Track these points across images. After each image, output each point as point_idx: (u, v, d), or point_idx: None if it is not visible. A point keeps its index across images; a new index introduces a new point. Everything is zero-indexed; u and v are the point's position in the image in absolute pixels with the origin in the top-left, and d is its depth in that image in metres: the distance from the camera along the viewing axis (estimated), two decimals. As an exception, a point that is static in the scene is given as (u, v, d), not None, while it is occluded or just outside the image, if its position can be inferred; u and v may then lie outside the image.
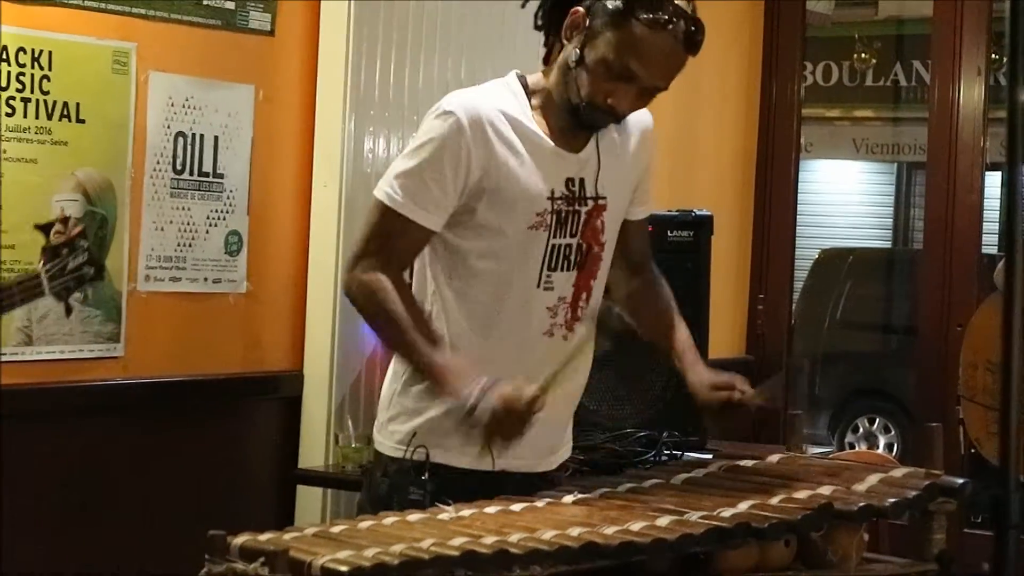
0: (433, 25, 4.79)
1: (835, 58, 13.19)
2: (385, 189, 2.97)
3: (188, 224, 4.36)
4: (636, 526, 2.56)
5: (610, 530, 2.53)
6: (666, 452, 4.06)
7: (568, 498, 2.82)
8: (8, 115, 3.91)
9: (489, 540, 2.40)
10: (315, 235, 4.61)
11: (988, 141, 5.74)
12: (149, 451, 4.29)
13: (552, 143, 3.01)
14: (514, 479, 3.01)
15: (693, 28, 2.92)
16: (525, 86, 3.05)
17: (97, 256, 4.00)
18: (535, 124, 3.01)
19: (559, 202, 3.01)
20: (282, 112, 4.58)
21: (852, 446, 10.26)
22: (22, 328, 3.95)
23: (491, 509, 2.70)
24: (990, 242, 6.14)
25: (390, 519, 2.58)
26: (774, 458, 3.18)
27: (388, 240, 2.95)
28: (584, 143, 3.05)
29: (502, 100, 3.01)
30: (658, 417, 4.27)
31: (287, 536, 2.41)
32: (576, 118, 3.00)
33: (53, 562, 4.05)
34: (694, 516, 2.65)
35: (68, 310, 4.01)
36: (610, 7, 2.89)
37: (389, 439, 3.10)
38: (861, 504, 2.80)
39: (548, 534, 2.46)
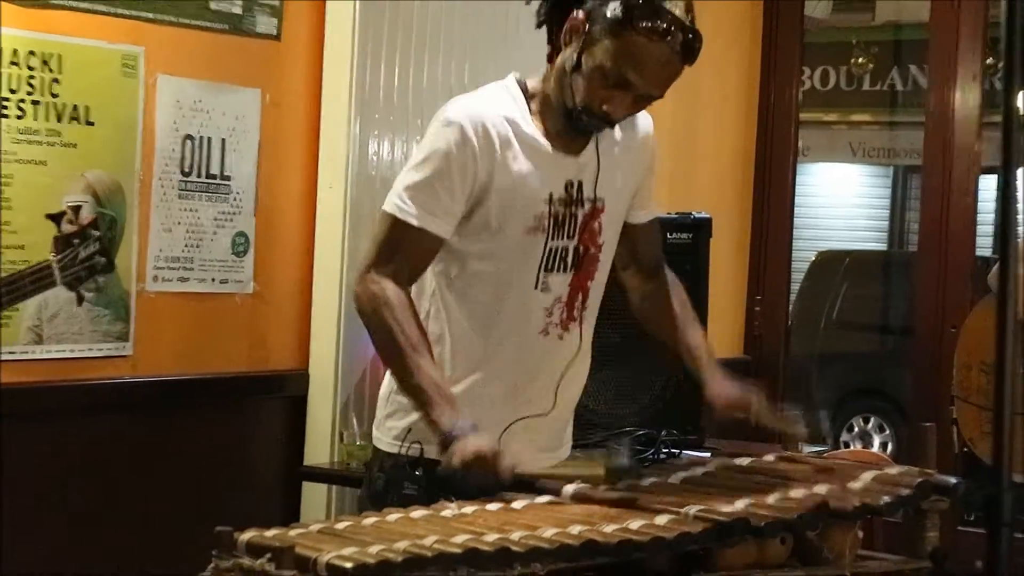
0: (437, 29, 4.79)
1: (833, 63, 13.18)
2: (395, 202, 2.96)
3: (196, 225, 4.37)
4: (635, 524, 2.56)
5: (609, 528, 2.53)
6: (665, 451, 4.06)
7: (568, 496, 2.83)
8: (18, 117, 3.92)
9: (491, 538, 2.40)
10: (320, 237, 4.61)
11: (983, 145, 5.74)
12: (157, 448, 4.29)
13: (551, 146, 3.01)
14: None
15: (691, 38, 2.91)
16: (524, 89, 3.05)
17: (108, 246, 4.02)
18: (534, 128, 3.01)
19: (557, 205, 3.01)
20: (288, 115, 4.58)
21: (847, 445, 10.27)
22: (32, 327, 3.95)
23: (493, 507, 2.70)
24: (984, 245, 6.15)
25: (394, 516, 2.58)
26: (770, 457, 3.18)
27: (400, 251, 2.94)
28: (583, 146, 3.05)
29: (502, 105, 3.01)
30: (657, 416, 4.27)
31: (293, 532, 2.42)
32: (571, 122, 3.00)
33: (61, 558, 4.05)
34: (692, 514, 2.65)
35: (80, 299, 4.01)
36: (610, 15, 2.88)
37: (386, 435, 3.10)
38: (856, 502, 2.80)
39: (549, 532, 2.47)
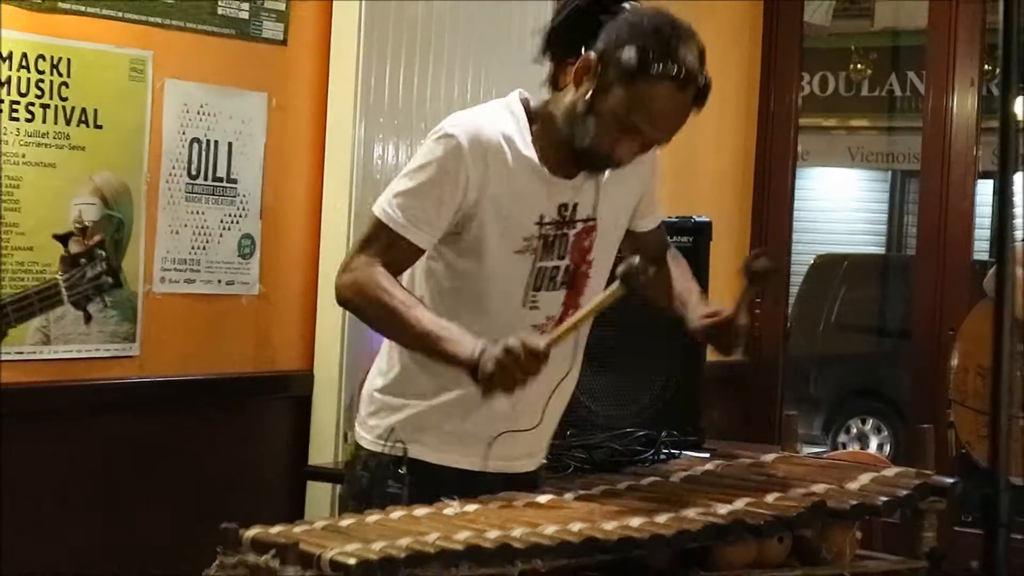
0: (441, 35, 4.79)
1: (832, 68, 13.18)
2: (383, 207, 2.94)
3: (202, 227, 4.37)
4: (635, 522, 2.57)
5: (610, 526, 2.53)
6: (665, 451, 4.05)
7: (569, 495, 2.83)
8: (28, 120, 3.92)
9: (493, 535, 2.41)
10: (326, 239, 4.61)
11: (980, 150, 5.74)
12: (164, 447, 4.29)
13: (547, 169, 2.96)
14: (489, 478, 3.00)
15: (703, 86, 2.88)
16: (527, 109, 3.00)
17: (115, 264, 4.02)
18: (532, 150, 2.96)
19: (548, 227, 2.98)
20: (294, 119, 4.58)
21: (845, 446, 10.27)
22: (40, 328, 3.95)
23: (494, 505, 2.71)
24: (982, 249, 6.15)
25: (397, 514, 2.59)
26: (769, 457, 3.19)
27: (380, 253, 2.91)
28: (580, 169, 3.02)
29: (502, 123, 2.96)
30: (657, 417, 4.26)
31: (297, 529, 2.42)
32: (578, 160, 2.97)
33: (67, 555, 4.05)
34: (691, 513, 2.65)
35: (88, 318, 4.02)
36: (624, 63, 2.82)
37: (369, 434, 3.09)
38: (854, 502, 2.80)
39: (550, 529, 2.47)
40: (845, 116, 13.95)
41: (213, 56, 4.35)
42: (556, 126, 2.96)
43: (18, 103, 3.90)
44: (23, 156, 3.91)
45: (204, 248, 4.37)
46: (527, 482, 3.04)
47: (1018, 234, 4.03)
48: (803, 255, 10.57)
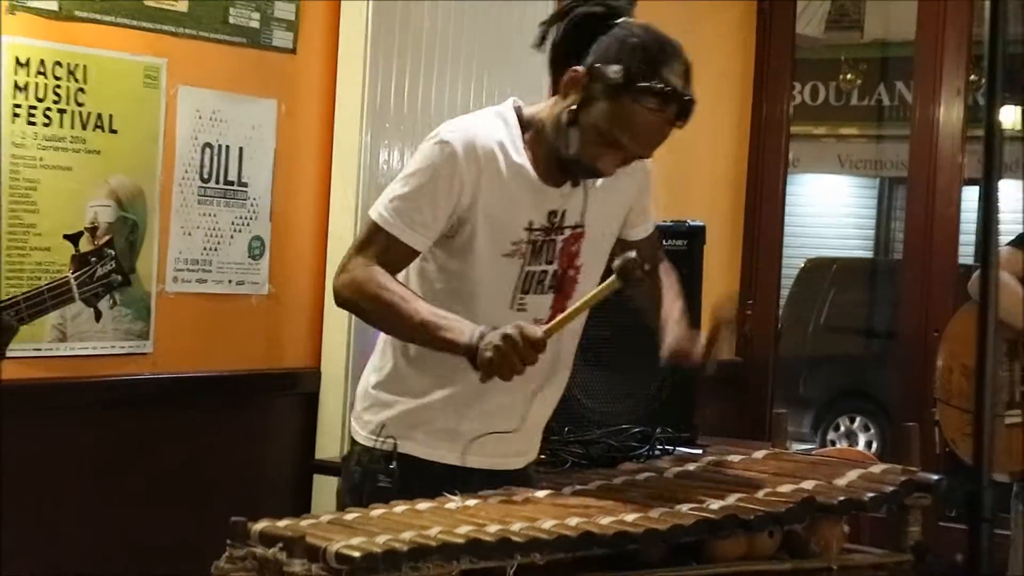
0: (446, 43, 4.79)
1: (822, 78, 13.18)
2: (379, 210, 2.94)
3: (214, 229, 4.37)
4: (630, 517, 2.56)
5: (606, 520, 2.53)
6: (659, 447, 4.06)
7: (566, 490, 2.83)
8: (45, 125, 3.92)
9: (493, 529, 2.40)
10: (333, 241, 4.61)
11: (966, 158, 5.74)
12: (175, 442, 4.29)
13: (538, 176, 2.95)
14: (478, 474, 3.00)
15: (686, 103, 2.87)
16: (520, 117, 3.00)
17: (125, 263, 4.02)
18: (524, 157, 2.95)
19: (537, 233, 2.97)
20: (303, 125, 4.58)
21: (834, 444, 10.26)
22: (56, 325, 3.96)
23: (494, 499, 2.70)
24: (967, 253, 6.14)
25: (400, 508, 2.58)
26: (760, 454, 3.18)
27: (376, 255, 2.91)
28: (567, 178, 3.00)
29: (496, 130, 2.96)
30: (652, 414, 4.27)
31: (304, 523, 2.42)
32: (563, 168, 2.96)
33: (82, 547, 4.05)
34: (685, 508, 2.65)
35: (98, 315, 4.02)
36: (611, 77, 2.82)
37: (363, 429, 3.08)
38: (842, 498, 2.80)
39: (548, 523, 2.47)
40: (835, 124, 13.95)
41: (225, 64, 4.35)
42: (546, 135, 2.96)
43: (36, 108, 3.90)
44: (40, 159, 3.91)
45: (215, 249, 4.37)
46: (517, 480, 3.03)
47: (1002, 239, 4.04)
48: (793, 259, 10.55)
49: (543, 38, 2.99)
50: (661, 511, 2.61)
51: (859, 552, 2.94)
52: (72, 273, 3.07)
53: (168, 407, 4.28)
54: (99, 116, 4.04)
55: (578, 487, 2.85)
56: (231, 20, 4.36)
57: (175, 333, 4.26)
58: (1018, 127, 12.15)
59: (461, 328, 2.81)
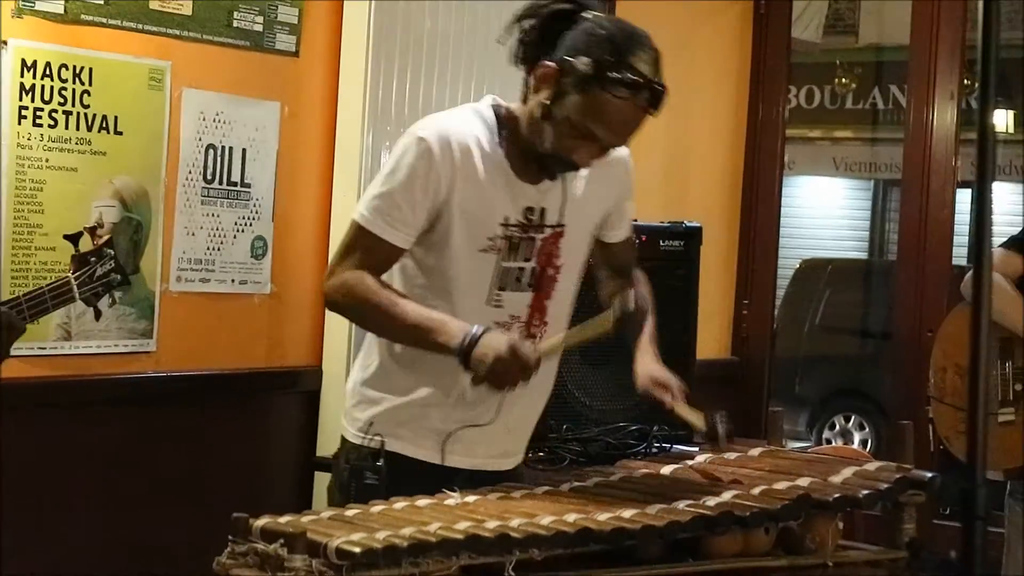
0: (447, 47, 4.78)
1: (818, 82, 13.18)
2: (360, 211, 2.94)
3: (217, 229, 4.36)
4: (628, 513, 2.56)
5: (603, 516, 2.53)
6: (656, 445, 4.06)
7: (565, 486, 2.83)
8: (51, 126, 3.91)
9: (492, 525, 2.40)
10: (335, 241, 4.60)
11: (960, 161, 5.73)
12: (178, 440, 4.29)
13: (514, 172, 2.95)
14: (463, 474, 2.99)
15: (657, 91, 2.86)
16: (499, 114, 3.00)
17: (129, 263, 4.02)
18: (501, 153, 2.95)
19: (513, 229, 2.96)
20: (305, 127, 4.58)
21: (829, 442, 10.26)
22: (61, 324, 3.95)
23: (493, 496, 2.70)
24: (960, 255, 6.13)
25: (400, 504, 2.58)
26: (756, 452, 3.18)
27: (361, 255, 2.91)
28: (549, 175, 2.99)
29: (472, 127, 2.96)
30: (649, 412, 4.26)
31: (305, 519, 2.41)
32: (540, 163, 2.96)
33: (85, 543, 4.05)
34: (681, 504, 2.65)
35: (97, 314, 4.02)
36: (581, 70, 2.82)
37: (351, 426, 3.08)
38: (837, 495, 2.80)
39: (546, 520, 2.47)
40: (830, 127, 13.95)
41: (228, 66, 4.35)
42: (522, 130, 2.95)
43: (42, 110, 3.89)
44: (46, 160, 3.91)
45: (219, 249, 4.36)
46: (504, 480, 3.03)
47: (995, 241, 4.03)
48: (789, 260, 10.56)
49: (517, 35, 2.97)
50: (658, 508, 2.61)
51: (854, 549, 2.94)
52: (72, 273, 3.07)
53: (171, 405, 4.28)
54: (104, 118, 4.03)
55: (576, 484, 2.84)
56: (235, 23, 4.36)
57: (178, 332, 4.26)
58: (1011, 130, 12.18)
59: (452, 332, 2.81)
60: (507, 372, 2.76)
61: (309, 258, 4.61)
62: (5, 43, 3.80)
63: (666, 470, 3.00)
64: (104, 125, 4.03)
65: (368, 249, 2.92)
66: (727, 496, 2.72)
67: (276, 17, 4.46)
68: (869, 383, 10.43)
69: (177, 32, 4.20)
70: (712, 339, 5.92)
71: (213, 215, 4.35)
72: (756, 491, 2.77)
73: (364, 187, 4.54)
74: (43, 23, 3.87)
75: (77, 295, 3.07)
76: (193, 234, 4.29)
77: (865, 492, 2.84)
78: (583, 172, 3.02)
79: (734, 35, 6.17)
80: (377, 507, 2.55)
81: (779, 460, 3.10)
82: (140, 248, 4.13)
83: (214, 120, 4.32)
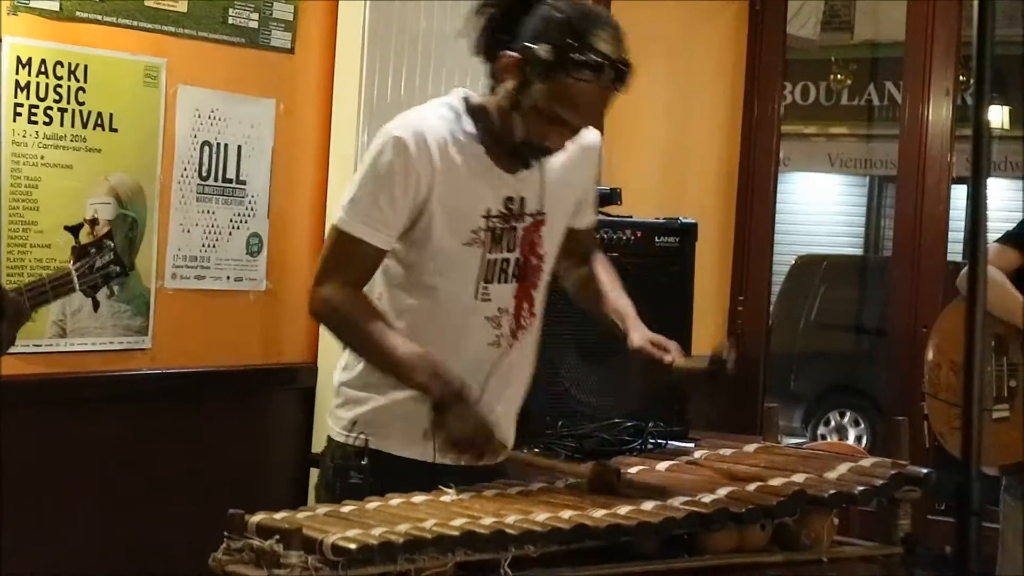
0: (442, 45, 4.78)
1: (813, 79, 13.18)
2: (340, 215, 2.92)
3: (212, 226, 4.36)
4: (623, 510, 2.56)
5: (599, 513, 2.53)
6: (652, 441, 4.05)
7: (560, 483, 2.82)
8: (46, 124, 3.91)
9: (487, 521, 2.40)
10: (330, 238, 4.60)
11: (955, 157, 5.73)
12: (174, 436, 4.29)
13: (492, 163, 2.95)
14: (450, 470, 2.98)
15: (622, 69, 2.84)
16: (469, 106, 2.99)
17: (124, 259, 4.02)
18: (476, 145, 2.94)
19: (495, 220, 2.96)
20: (301, 124, 4.58)
21: (824, 438, 10.26)
22: (57, 321, 3.95)
23: (489, 492, 2.70)
24: (955, 251, 6.14)
25: (396, 500, 2.58)
26: (751, 448, 3.18)
27: (345, 262, 2.90)
28: (526, 163, 2.99)
29: (445, 121, 2.95)
30: (644, 408, 4.27)
31: (301, 515, 2.41)
32: (515, 152, 2.95)
33: (80, 541, 4.05)
34: (677, 501, 2.65)
35: (96, 305, 4.02)
36: (543, 57, 2.81)
37: (336, 424, 3.08)
38: (832, 491, 2.80)
39: (542, 516, 2.46)
40: (825, 124, 13.95)
41: (224, 63, 4.35)
42: (494, 122, 2.95)
43: (37, 107, 3.89)
44: (42, 158, 3.91)
45: (214, 246, 4.36)
46: (491, 476, 3.03)
47: (990, 236, 4.03)
48: (784, 256, 10.54)
49: (477, 27, 2.97)
50: (653, 504, 2.61)
51: (849, 544, 2.94)
52: (72, 264, 3.07)
53: (166, 402, 4.28)
54: (99, 115, 4.03)
55: (571, 480, 2.84)
56: (230, 20, 4.35)
57: (174, 329, 4.26)
58: (1006, 127, 12.18)
59: (430, 382, 2.81)
60: (467, 448, 2.80)
61: (304, 255, 4.60)
62: (0, 40, 3.80)
63: (661, 466, 3.00)
64: (99, 122, 4.03)
65: (351, 254, 2.90)
66: (723, 492, 2.72)
67: (271, 14, 4.46)
68: (864, 379, 10.43)
69: (172, 29, 4.20)
70: (707, 334, 5.90)
71: (208, 212, 4.34)
72: (752, 487, 2.77)
73: (359, 184, 4.55)
74: (38, 20, 3.87)
75: (77, 286, 3.07)
76: (188, 231, 4.29)
77: (860, 488, 2.83)
78: (558, 158, 3.02)
79: (730, 32, 6.17)
80: (373, 503, 2.54)
81: (774, 456, 3.09)
82: (135, 245, 4.12)
83: (209, 117, 4.32)
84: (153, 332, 4.20)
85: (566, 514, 2.49)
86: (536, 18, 2.87)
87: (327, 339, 4.61)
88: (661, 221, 4.61)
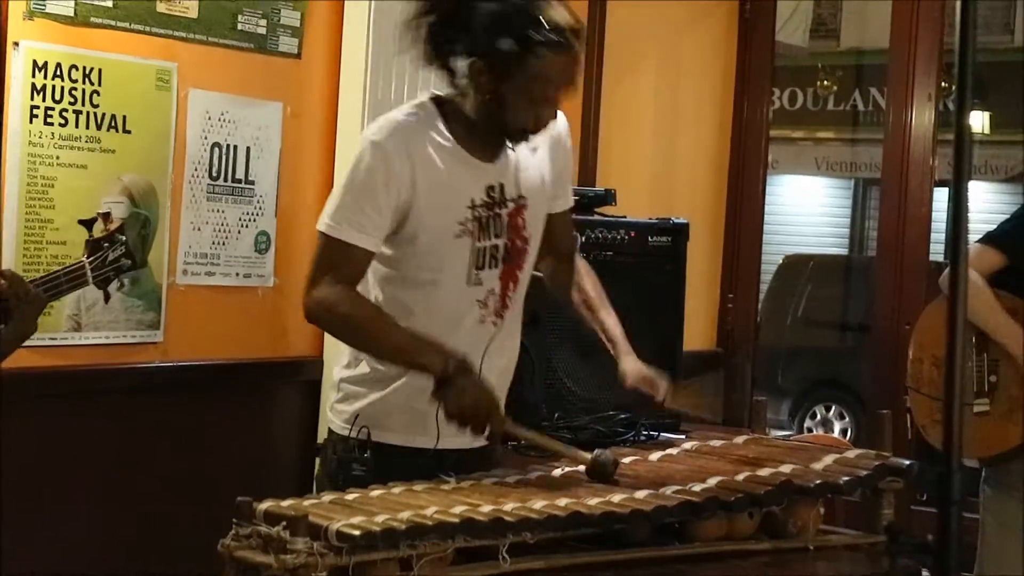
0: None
1: (800, 85, 13.18)
2: (326, 221, 2.93)
3: (222, 225, 4.36)
4: (617, 498, 2.56)
5: (594, 501, 2.53)
6: (644, 432, 4.06)
7: (557, 472, 2.83)
8: (61, 125, 3.91)
9: (486, 509, 2.40)
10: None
11: (937, 160, 5.72)
12: (184, 427, 4.28)
13: (469, 155, 2.96)
14: (451, 456, 2.99)
15: (577, 31, 2.87)
16: (440, 104, 2.99)
17: (136, 256, 4.02)
18: (451, 140, 2.95)
19: (480, 209, 2.97)
20: (307, 126, 4.57)
21: (810, 431, 10.27)
22: (72, 316, 3.95)
23: (488, 481, 2.70)
24: (937, 251, 6.14)
25: (398, 488, 2.58)
26: (740, 439, 3.18)
27: (334, 267, 2.90)
28: (499, 151, 3.01)
29: (420, 120, 2.96)
30: (637, 401, 4.26)
31: (307, 503, 2.42)
32: (503, 137, 2.96)
33: (92, 529, 4.05)
34: (668, 490, 2.65)
35: (107, 297, 4.02)
36: (507, 50, 2.83)
37: (338, 418, 3.07)
38: (818, 481, 2.80)
39: (539, 504, 2.47)
40: (812, 128, 13.95)
41: (233, 68, 4.34)
42: (470, 117, 2.95)
43: (53, 109, 3.89)
44: (57, 158, 3.90)
45: (223, 244, 4.36)
46: (484, 456, 3.03)
47: (971, 237, 4.03)
48: (772, 255, 10.54)
49: (417, 39, 2.97)
50: (646, 493, 2.61)
51: (835, 533, 2.94)
52: (86, 257, 3.08)
53: (177, 394, 4.27)
54: (113, 117, 4.03)
55: (567, 470, 2.85)
56: (239, 26, 4.35)
57: (184, 323, 4.26)
58: (987, 131, 12.18)
59: (433, 359, 2.81)
60: (472, 421, 2.79)
61: (311, 252, 4.57)
62: (17, 44, 3.80)
63: (653, 457, 3.00)
64: (113, 124, 4.03)
65: (340, 258, 2.90)
66: (712, 482, 2.72)
67: (279, 20, 4.46)
68: (849, 374, 10.44)
69: (183, 34, 4.19)
70: (698, 331, 5.91)
71: (218, 211, 4.34)
72: (740, 477, 2.77)
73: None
74: (53, 25, 3.87)
75: (91, 279, 3.07)
76: (199, 229, 4.29)
77: (845, 478, 2.84)
78: (525, 145, 3.03)
79: (720, 38, 6.17)
80: (376, 491, 2.55)
81: (762, 448, 3.10)
82: (148, 242, 4.12)
83: (219, 119, 4.32)
84: (165, 326, 4.20)
85: (562, 502, 2.49)
86: (483, 18, 2.87)
87: (332, 334, 4.62)
88: (654, 221, 4.61)
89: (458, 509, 2.38)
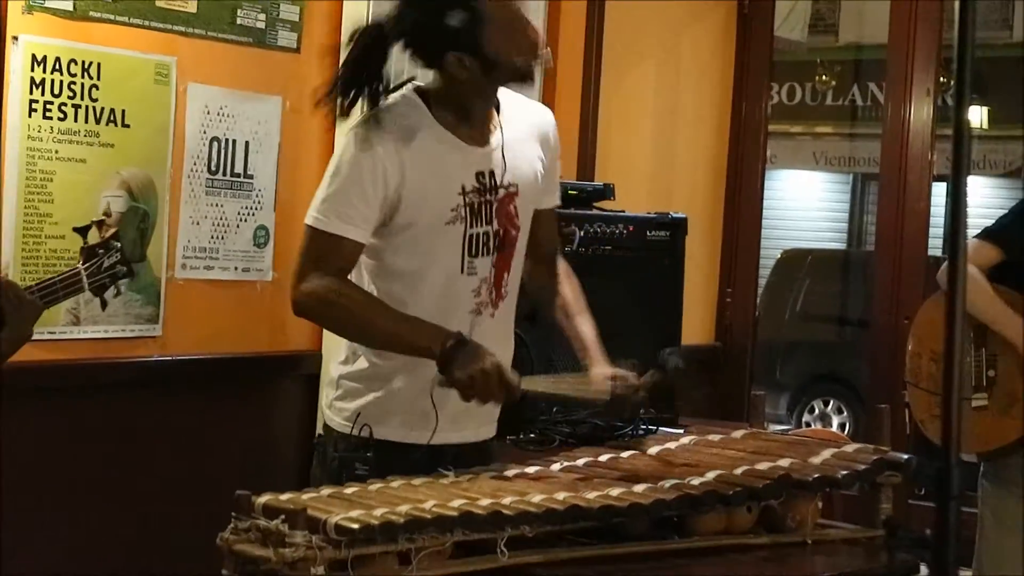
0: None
1: (799, 80, 13.17)
2: (313, 215, 2.91)
3: (221, 219, 4.36)
4: (615, 492, 2.56)
5: (592, 495, 2.53)
6: (643, 427, 4.05)
7: (555, 466, 2.83)
8: (61, 119, 3.91)
9: (485, 503, 2.40)
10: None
11: (935, 155, 5.73)
12: (183, 422, 4.28)
13: (457, 140, 2.96)
14: (451, 451, 2.98)
15: None
16: (423, 93, 3.00)
17: (136, 251, 4.02)
18: (439, 127, 2.96)
19: (471, 195, 2.96)
20: (306, 121, 4.57)
21: (808, 425, 10.27)
22: (70, 310, 3.95)
23: (487, 475, 2.70)
24: (935, 246, 6.14)
25: (397, 482, 2.58)
26: (738, 434, 3.18)
27: (323, 260, 2.88)
28: (487, 137, 3.01)
29: (404, 110, 2.96)
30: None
31: (305, 496, 2.41)
32: (471, 126, 2.98)
33: (91, 522, 4.05)
34: (667, 484, 2.65)
35: (104, 304, 4.01)
36: (464, 29, 2.88)
37: (338, 415, 3.05)
38: (816, 475, 2.80)
39: (537, 498, 2.47)
40: (811, 123, 13.95)
41: (232, 62, 4.34)
42: (456, 102, 2.97)
43: (52, 103, 3.89)
44: (56, 152, 3.90)
45: (222, 238, 4.36)
46: (482, 450, 3.03)
47: (969, 232, 4.03)
48: (771, 250, 10.55)
49: (409, 47, 3.01)
50: (645, 487, 2.61)
51: (833, 527, 2.94)
52: (82, 264, 3.07)
53: (176, 388, 4.27)
54: (112, 111, 4.03)
55: (566, 464, 2.85)
56: (238, 21, 4.35)
57: (183, 317, 4.26)
58: (985, 126, 12.18)
59: (430, 340, 2.80)
60: (486, 387, 2.77)
61: (307, 247, 4.59)
62: (16, 38, 3.79)
63: (652, 451, 3.00)
64: (112, 118, 4.03)
65: (328, 251, 2.88)
66: (711, 476, 2.72)
67: (278, 15, 4.46)
68: (847, 368, 10.44)
69: (183, 29, 4.19)
70: (697, 326, 5.92)
71: (217, 205, 4.34)
72: (739, 471, 2.77)
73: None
74: (52, 19, 3.87)
75: (86, 285, 3.07)
76: (198, 223, 4.29)
77: (843, 473, 2.84)
78: (513, 135, 3.04)
79: (719, 34, 6.17)
80: (375, 485, 2.55)
81: (761, 442, 3.10)
82: (147, 237, 4.12)
83: (218, 114, 4.32)
84: (164, 320, 4.20)
85: (560, 496, 2.49)
86: (420, 14, 2.94)
87: (331, 328, 4.62)
88: (652, 216, 4.61)
89: (456, 503, 2.38)
